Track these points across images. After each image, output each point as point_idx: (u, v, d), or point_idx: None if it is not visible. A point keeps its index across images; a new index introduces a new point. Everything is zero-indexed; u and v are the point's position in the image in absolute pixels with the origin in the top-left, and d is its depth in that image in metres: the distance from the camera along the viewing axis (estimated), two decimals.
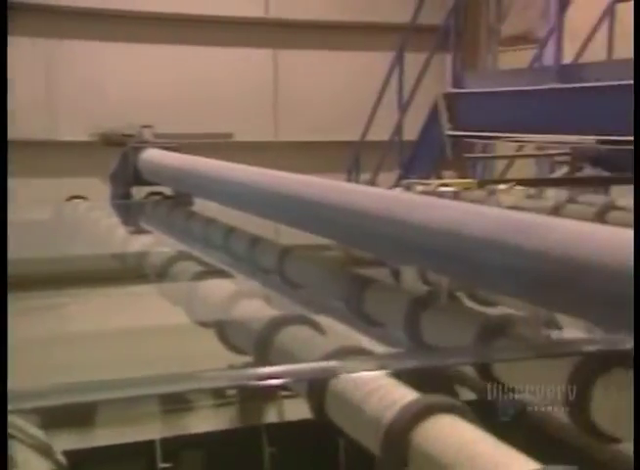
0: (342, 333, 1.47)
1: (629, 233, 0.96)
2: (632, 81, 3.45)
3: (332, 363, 1.02)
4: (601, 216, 3.40)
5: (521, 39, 7.91)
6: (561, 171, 6.02)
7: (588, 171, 5.60)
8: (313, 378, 1.00)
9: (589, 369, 0.97)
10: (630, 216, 3.38)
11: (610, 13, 4.49)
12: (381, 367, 1.00)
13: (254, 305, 1.37)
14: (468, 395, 1.94)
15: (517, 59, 6.53)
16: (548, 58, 4.62)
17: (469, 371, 1.34)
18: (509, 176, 6.28)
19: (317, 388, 0.99)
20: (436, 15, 6.08)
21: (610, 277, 0.90)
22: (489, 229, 1.16)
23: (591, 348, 1.06)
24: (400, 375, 1.02)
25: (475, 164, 6.78)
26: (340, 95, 8.33)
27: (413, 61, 5.93)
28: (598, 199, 4.07)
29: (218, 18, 7.97)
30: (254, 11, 8.18)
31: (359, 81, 7.97)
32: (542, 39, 5.59)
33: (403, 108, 5.84)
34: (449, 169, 5.11)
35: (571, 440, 1.48)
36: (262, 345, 1.15)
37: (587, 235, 1.00)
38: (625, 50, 4.33)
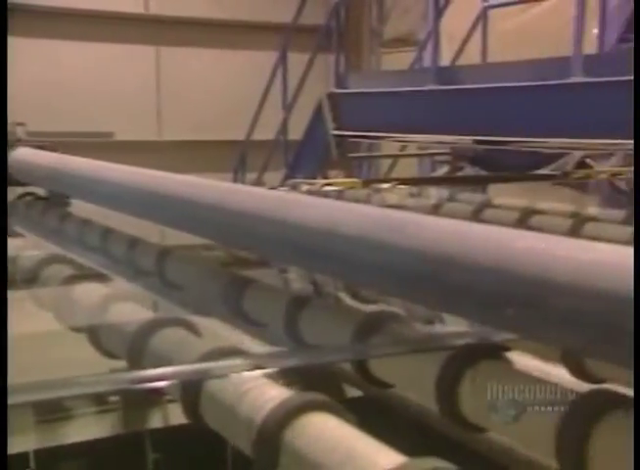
0: (220, 334, 1.45)
1: (503, 231, 1.00)
2: (505, 84, 3.59)
3: (207, 365, 1.01)
4: (477, 214, 3.53)
5: (402, 41, 8.11)
6: (442, 171, 6.21)
7: (468, 171, 5.81)
8: (187, 380, 0.98)
9: (458, 362, 1.00)
10: (505, 214, 3.52)
11: (483, 18, 4.66)
12: (256, 367, 0.99)
13: (129, 308, 1.33)
14: (355, 392, 1.96)
15: (401, 61, 6.68)
16: (428, 60, 4.75)
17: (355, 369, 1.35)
18: (393, 175, 6.42)
19: (191, 390, 0.98)
20: (320, 15, 6.13)
21: (482, 274, 0.93)
22: (366, 228, 1.17)
23: (462, 341, 1.09)
24: (284, 376, 1.01)
25: (360, 164, 6.89)
26: (225, 94, 8.27)
27: (298, 60, 5.96)
28: (476, 197, 4.22)
29: (97, 12, 7.75)
30: (134, 7, 8.00)
31: (244, 80, 7.95)
32: (422, 42, 5.74)
33: (288, 107, 5.86)
34: (335, 169, 5.16)
35: (447, 431, 1.52)
36: (136, 349, 1.13)
37: (462, 233, 1.03)
38: (498, 54, 4.50)
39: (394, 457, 0.74)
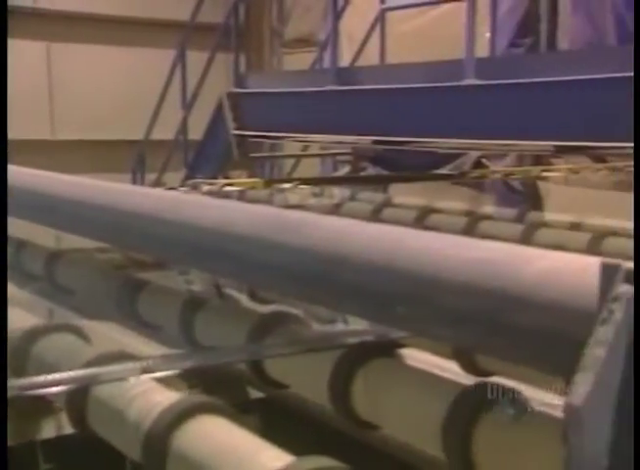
0: (112, 338, 1.41)
1: (397, 230, 1.01)
2: (402, 85, 3.65)
3: (96, 370, 0.97)
4: (377, 213, 3.58)
5: (304, 42, 8.12)
6: (344, 170, 6.27)
7: (370, 170, 5.88)
8: (72, 388, 0.94)
9: (350, 361, 1.00)
10: (404, 213, 3.58)
11: (381, 20, 4.72)
12: (147, 371, 0.96)
13: (14, 315, 1.27)
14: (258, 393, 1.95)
15: (303, 61, 6.70)
16: (328, 60, 4.78)
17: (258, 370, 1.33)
18: (296, 175, 6.42)
19: (77, 397, 0.94)
20: (220, 13, 6.07)
21: (375, 273, 0.93)
22: (261, 228, 1.16)
23: (357, 339, 1.09)
24: (186, 379, 0.99)
25: (263, 164, 6.86)
26: (122, 92, 8.08)
27: (198, 59, 5.88)
28: (377, 197, 4.28)
29: None
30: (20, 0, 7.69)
31: (142, 78, 7.78)
32: (322, 42, 5.77)
33: (187, 106, 5.78)
34: (238, 169, 5.11)
35: (344, 429, 1.52)
36: (20, 356, 1.08)
37: (356, 233, 1.03)
38: (396, 56, 4.57)
39: (283, 458, 0.73)
